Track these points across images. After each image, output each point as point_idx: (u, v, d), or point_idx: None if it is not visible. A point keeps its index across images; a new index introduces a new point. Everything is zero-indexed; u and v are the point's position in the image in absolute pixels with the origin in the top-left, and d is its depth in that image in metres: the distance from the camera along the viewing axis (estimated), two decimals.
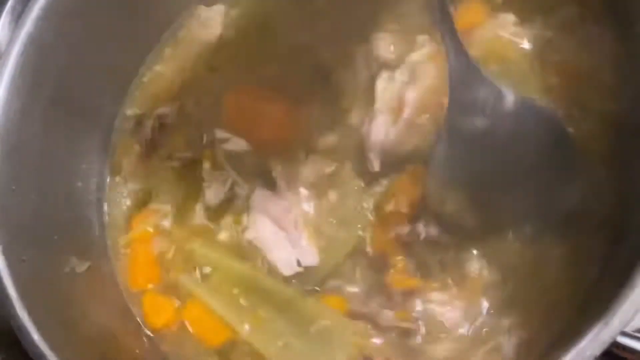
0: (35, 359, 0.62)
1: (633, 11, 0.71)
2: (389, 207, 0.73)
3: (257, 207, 0.77)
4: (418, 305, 0.70)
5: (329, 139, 0.78)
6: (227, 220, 0.78)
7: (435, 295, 0.70)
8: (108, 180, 0.85)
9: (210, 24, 0.88)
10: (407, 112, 0.74)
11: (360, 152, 0.76)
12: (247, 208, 0.77)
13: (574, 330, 0.56)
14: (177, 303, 0.77)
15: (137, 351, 0.74)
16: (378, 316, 0.70)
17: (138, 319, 0.77)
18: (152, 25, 0.88)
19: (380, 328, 0.70)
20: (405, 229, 0.72)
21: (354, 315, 0.71)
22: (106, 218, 0.83)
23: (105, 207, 0.83)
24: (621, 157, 0.69)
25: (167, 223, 0.80)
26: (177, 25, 0.89)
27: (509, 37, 0.76)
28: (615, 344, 0.56)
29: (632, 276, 0.55)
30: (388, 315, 0.70)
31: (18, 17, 0.76)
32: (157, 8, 0.87)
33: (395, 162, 0.74)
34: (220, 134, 0.81)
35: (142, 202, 0.82)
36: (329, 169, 0.76)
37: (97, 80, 0.82)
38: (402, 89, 0.75)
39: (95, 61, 0.80)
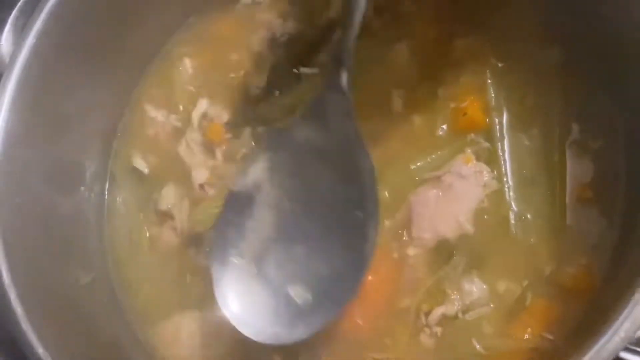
0: None
1: None
2: None
3: None
4: None
5: None
6: None
7: None
8: (107, 186, 0.85)
9: None
10: None
11: None
12: None
13: (576, 347, 0.57)
14: None
15: None
16: None
17: (139, 332, 0.78)
18: (153, 30, 0.88)
19: None
20: None
21: None
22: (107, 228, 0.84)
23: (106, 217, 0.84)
24: None
25: None
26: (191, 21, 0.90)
27: None
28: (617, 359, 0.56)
29: (634, 291, 0.56)
30: None
31: (21, 30, 0.76)
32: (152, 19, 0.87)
33: None
34: None
35: None
36: None
37: (99, 91, 0.82)
38: None
39: (98, 72, 0.81)
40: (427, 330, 0.71)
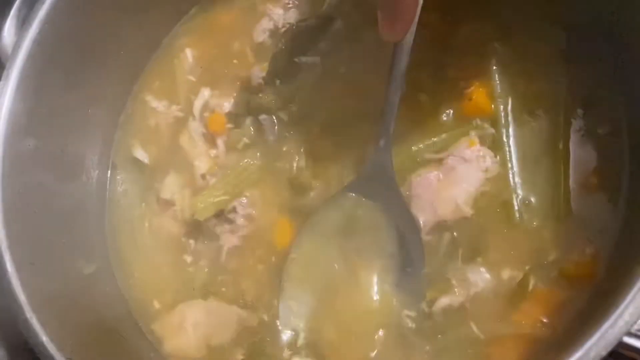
0: None
1: None
2: None
3: None
4: None
5: None
6: None
7: None
8: (109, 176, 0.85)
9: None
10: None
11: None
12: None
13: (579, 332, 0.56)
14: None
15: (144, 352, 0.74)
16: None
17: (142, 322, 0.78)
18: (156, 21, 0.88)
19: None
20: None
21: None
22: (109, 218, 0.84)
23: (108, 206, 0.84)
24: None
25: None
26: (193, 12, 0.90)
27: None
28: (621, 344, 0.56)
29: (638, 276, 0.56)
30: None
31: (23, 22, 0.76)
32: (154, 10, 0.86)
33: None
34: None
35: None
36: None
37: (101, 82, 0.82)
38: None
39: (100, 63, 0.81)
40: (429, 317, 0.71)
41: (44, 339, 0.63)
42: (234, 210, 0.79)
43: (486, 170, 0.74)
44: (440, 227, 0.73)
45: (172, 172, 0.84)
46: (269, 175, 0.81)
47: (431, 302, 0.71)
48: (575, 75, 0.75)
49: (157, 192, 0.83)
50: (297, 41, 0.83)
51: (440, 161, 0.75)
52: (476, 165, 0.74)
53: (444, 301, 0.70)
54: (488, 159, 0.74)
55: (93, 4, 0.77)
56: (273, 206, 0.80)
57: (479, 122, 0.76)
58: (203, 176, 0.82)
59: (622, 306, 0.55)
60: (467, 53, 0.78)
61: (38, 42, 0.72)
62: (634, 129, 0.73)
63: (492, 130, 0.75)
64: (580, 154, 0.74)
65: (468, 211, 0.73)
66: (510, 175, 0.74)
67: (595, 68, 0.75)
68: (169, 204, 0.82)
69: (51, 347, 0.63)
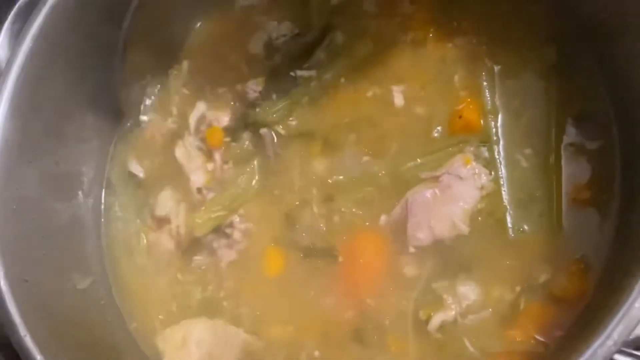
0: None
1: None
2: None
3: None
4: None
5: None
6: None
7: None
8: (104, 191, 0.85)
9: None
10: None
11: None
12: None
13: (570, 350, 0.57)
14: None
15: None
16: None
17: (140, 336, 0.78)
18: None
19: None
20: None
21: None
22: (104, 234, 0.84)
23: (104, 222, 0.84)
24: None
25: None
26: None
27: None
28: None
29: (628, 293, 0.56)
30: None
31: (16, 35, 0.76)
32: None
33: None
34: None
35: None
36: None
37: (96, 96, 0.82)
38: None
39: (94, 77, 0.80)
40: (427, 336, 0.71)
41: (39, 358, 0.62)
42: (231, 224, 0.79)
43: (482, 188, 0.74)
44: (436, 244, 0.73)
45: (168, 187, 0.84)
46: (266, 190, 0.81)
47: (426, 321, 0.71)
48: (566, 91, 0.76)
49: (152, 209, 0.83)
50: (293, 54, 0.84)
51: (436, 179, 0.75)
52: (472, 182, 0.74)
53: (439, 317, 0.71)
54: (483, 177, 0.74)
55: (87, 18, 0.76)
56: (269, 223, 0.79)
57: (470, 138, 0.76)
58: (199, 190, 0.82)
59: (612, 325, 0.55)
60: (459, 68, 0.79)
61: (32, 57, 0.72)
62: (624, 142, 0.73)
63: (485, 148, 0.76)
64: (571, 169, 0.74)
65: (465, 229, 0.73)
66: (503, 192, 0.74)
67: (586, 83, 0.76)
68: (164, 220, 0.82)
69: None
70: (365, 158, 0.78)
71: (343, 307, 0.74)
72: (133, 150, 0.87)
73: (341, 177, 0.78)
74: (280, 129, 0.81)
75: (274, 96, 0.83)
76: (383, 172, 0.77)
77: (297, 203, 0.79)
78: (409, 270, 0.74)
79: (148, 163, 0.86)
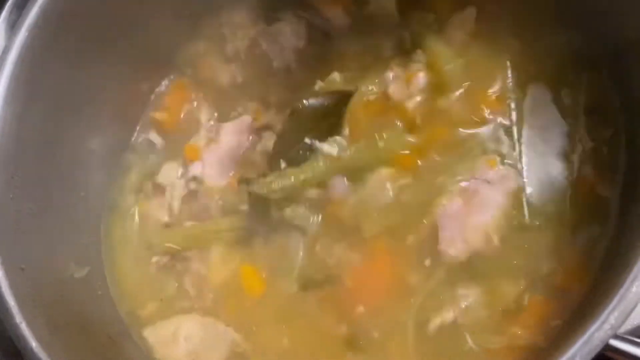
0: None
1: None
2: None
3: None
4: None
5: None
6: None
7: None
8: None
9: None
10: None
11: None
12: None
13: (566, 339, 0.56)
14: None
15: (135, 359, 0.74)
16: None
17: (134, 327, 0.78)
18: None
19: None
20: None
21: None
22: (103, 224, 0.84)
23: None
24: None
25: None
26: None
27: None
28: (607, 347, 0.56)
29: (623, 280, 0.56)
30: None
31: (13, 26, 0.76)
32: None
33: None
34: None
35: None
36: None
37: (94, 86, 0.82)
38: None
39: (91, 67, 0.80)
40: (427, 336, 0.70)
41: (34, 344, 0.62)
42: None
43: (509, 191, 0.71)
44: (473, 258, 0.70)
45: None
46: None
47: (425, 324, 0.70)
48: (582, 80, 0.75)
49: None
50: (309, 117, 0.75)
51: (463, 187, 0.72)
52: (500, 187, 0.71)
53: (437, 320, 0.70)
54: (511, 178, 0.71)
55: (83, 9, 0.76)
56: None
57: (491, 117, 0.74)
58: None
59: (607, 310, 0.55)
60: (483, 48, 0.78)
61: (28, 47, 0.72)
62: (630, 136, 0.72)
63: (505, 137, 0.73)
64: (581, 162, 0.73)
65: (496, 239, 0.70)
66: (524, 184, 0.72)
67: (600, 73, 0.75)
68: (160, 189, 0.83)
69: (41, 353, 0.62)
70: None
71: (339, 318, 0.73)
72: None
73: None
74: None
75: (283, 164, 0.75)
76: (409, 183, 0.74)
77: None
78: (414, 279, 0.72)
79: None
